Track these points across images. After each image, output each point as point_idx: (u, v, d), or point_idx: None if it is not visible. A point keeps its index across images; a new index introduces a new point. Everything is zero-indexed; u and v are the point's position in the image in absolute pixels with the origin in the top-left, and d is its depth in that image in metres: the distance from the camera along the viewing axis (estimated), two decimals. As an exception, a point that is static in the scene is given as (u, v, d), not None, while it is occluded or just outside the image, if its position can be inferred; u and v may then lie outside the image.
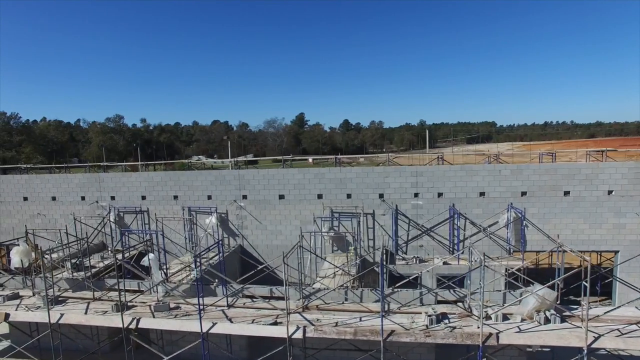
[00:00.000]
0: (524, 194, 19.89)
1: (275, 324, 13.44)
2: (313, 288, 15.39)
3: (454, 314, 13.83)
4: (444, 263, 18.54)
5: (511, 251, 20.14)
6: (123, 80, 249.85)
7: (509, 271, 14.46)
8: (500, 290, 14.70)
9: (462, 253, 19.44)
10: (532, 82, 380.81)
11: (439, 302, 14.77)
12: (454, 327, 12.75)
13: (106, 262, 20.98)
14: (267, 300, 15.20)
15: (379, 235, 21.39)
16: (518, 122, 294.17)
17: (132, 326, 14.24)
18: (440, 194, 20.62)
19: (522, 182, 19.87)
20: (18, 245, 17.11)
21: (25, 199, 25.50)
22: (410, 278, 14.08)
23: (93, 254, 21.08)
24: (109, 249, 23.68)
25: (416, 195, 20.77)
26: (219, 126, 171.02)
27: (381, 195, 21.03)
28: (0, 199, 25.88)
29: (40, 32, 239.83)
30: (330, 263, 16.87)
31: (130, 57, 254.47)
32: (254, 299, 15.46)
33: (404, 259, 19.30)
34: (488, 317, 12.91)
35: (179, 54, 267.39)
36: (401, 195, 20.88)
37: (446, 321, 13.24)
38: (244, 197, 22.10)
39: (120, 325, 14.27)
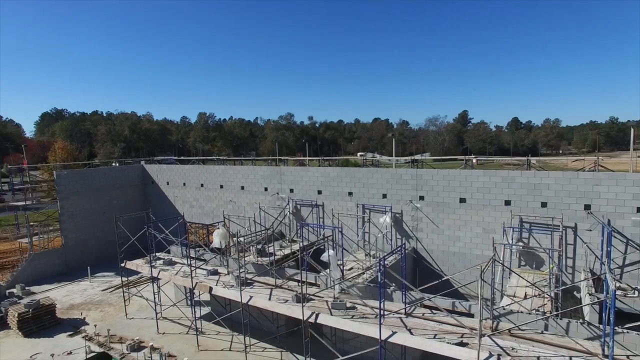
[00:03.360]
0: None
1: (461, 344, 11.98)
2: (504, 308, 13.38)
3: None
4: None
5: None
6: (293, 81, 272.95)
7: None
8: None
9: None
10: None
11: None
12: None
13: (284, 251, 22.35)
14: (449, 314, 13.81)
15: (580, 254, 17.82)
16: None
17: (311, 320, 14.51)
18: (677, 211, 16.05)
19: None
20: (219, 228, 19.30)
21: (221, 186, 29.21)
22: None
23: (274, 242, 22.68)
24: (287, 238, 25.30)
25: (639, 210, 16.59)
26: (380, 124, 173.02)
27: (587, 207, 17.41)
28: (205, 186, 30.32)
29: (232, 38, 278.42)
30: (527, 281, 14.48)
31: (301, 59, 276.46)
32: (434, 311, 14.23)
33: (620, 288, 15.55)
34: None
35: (345, 56, 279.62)
36: (617, 209, 16.92)
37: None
38: (421, 198, 20.88)
39: (300, 317, 14.70)
